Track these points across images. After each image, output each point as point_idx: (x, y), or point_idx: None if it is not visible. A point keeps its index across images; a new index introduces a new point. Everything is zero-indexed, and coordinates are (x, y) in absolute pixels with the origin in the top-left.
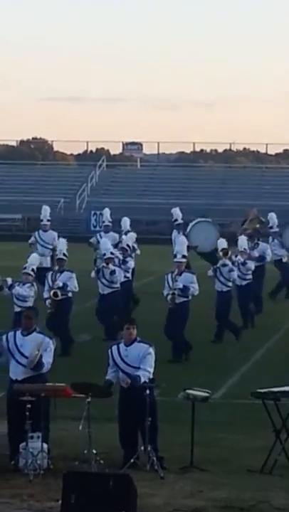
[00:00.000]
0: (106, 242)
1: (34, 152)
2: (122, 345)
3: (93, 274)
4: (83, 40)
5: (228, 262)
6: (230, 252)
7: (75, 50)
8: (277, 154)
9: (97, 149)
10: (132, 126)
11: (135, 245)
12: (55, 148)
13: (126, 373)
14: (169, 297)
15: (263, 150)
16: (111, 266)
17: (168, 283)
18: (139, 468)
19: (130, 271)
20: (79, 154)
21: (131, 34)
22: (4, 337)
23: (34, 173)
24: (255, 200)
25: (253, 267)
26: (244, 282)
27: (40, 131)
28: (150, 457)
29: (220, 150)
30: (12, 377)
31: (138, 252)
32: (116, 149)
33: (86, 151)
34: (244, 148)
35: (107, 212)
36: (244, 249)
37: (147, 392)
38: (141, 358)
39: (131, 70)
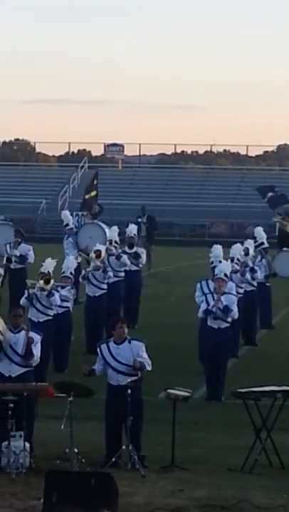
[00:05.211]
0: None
1: (16, 153)
2: (111, 344)
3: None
4: (66, 43)
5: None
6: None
7: (58, 52)
8: (257, 156)
9: (79, 151)
10: (113, 128)
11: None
12: (38, 150)
13: (117, 371)
14: None
15: (243, 152)
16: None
17: None
18: (120, 467)
19: None
20: (61, 156)
21: (111, 39)
22: None
23: (16, 174)
24: (234, 202)
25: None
26: None
27: (23, 132)
28: (132, 456)
29: (201, 152)
30: (5, 374)
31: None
32: (98, 151)
33: (68, 152)
34: (224, 150)
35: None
36: None
37: (129, 391)
38: (136, 354)
39: (114, 72)
